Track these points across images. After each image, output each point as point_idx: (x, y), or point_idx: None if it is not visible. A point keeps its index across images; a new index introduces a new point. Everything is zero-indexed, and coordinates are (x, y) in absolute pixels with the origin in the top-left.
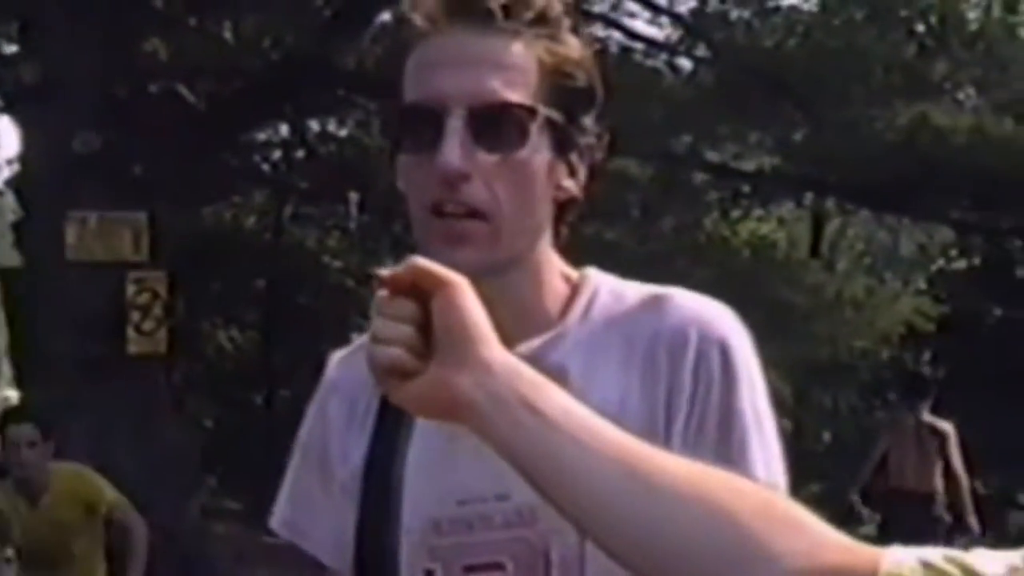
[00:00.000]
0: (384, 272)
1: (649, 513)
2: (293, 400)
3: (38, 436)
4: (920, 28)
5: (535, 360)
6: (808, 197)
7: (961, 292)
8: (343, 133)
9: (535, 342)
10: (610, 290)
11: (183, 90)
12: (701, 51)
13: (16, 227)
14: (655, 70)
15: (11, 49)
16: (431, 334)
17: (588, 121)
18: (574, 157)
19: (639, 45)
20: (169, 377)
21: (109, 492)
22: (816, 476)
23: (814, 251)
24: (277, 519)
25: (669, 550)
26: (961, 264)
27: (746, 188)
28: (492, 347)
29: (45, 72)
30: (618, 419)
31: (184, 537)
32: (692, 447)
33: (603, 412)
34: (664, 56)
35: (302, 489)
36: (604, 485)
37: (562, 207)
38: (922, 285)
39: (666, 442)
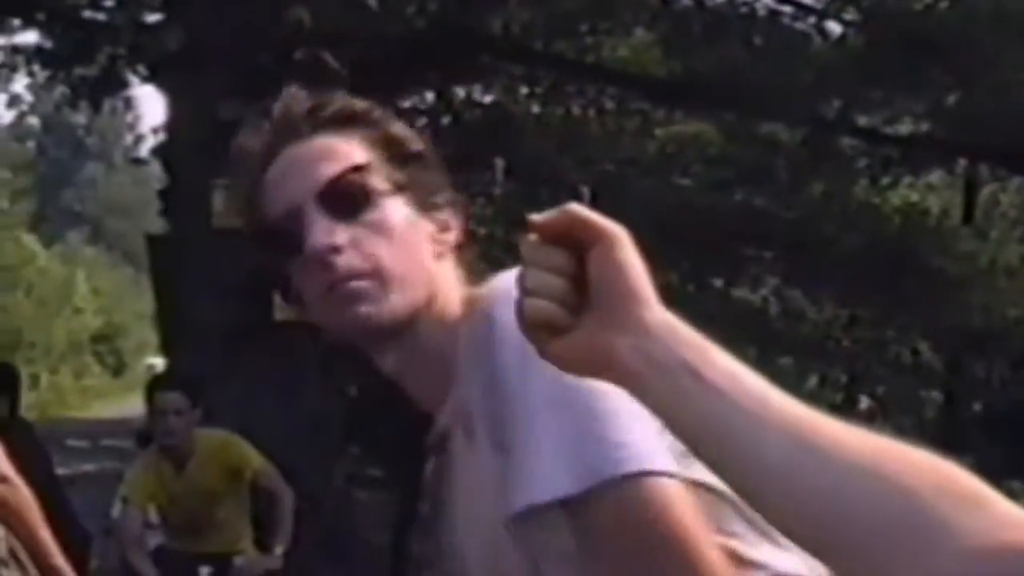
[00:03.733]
0: (537, 217)
1: (824, 488)
2: None
3: (185, 404)
4: None
5: (457, 406)
6: (960, 163)
7: None
8: (488, 99)
9: (457, 389)
10: (480, 309)
11: (328, 57)
12: (850, 14)
13: (162, 195)
14: (804, 34)
15: (155, 17)
16: (584, 287)
17: (431, 176)
18: (437, 212)
19: (787, 8)
20: (315, 345)
21: (255, 459)
22: (968, 447)
23: (967, 218)
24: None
25: (844, 526)
26: None
27: (896, 154)
28: (652, 307)
29: (189, 40)
30: (489, 436)
31: (329, 504)
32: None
33: (485, 434)
34: (813, 19)
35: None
36: (775, 457)
37: (454, 258)
38: None
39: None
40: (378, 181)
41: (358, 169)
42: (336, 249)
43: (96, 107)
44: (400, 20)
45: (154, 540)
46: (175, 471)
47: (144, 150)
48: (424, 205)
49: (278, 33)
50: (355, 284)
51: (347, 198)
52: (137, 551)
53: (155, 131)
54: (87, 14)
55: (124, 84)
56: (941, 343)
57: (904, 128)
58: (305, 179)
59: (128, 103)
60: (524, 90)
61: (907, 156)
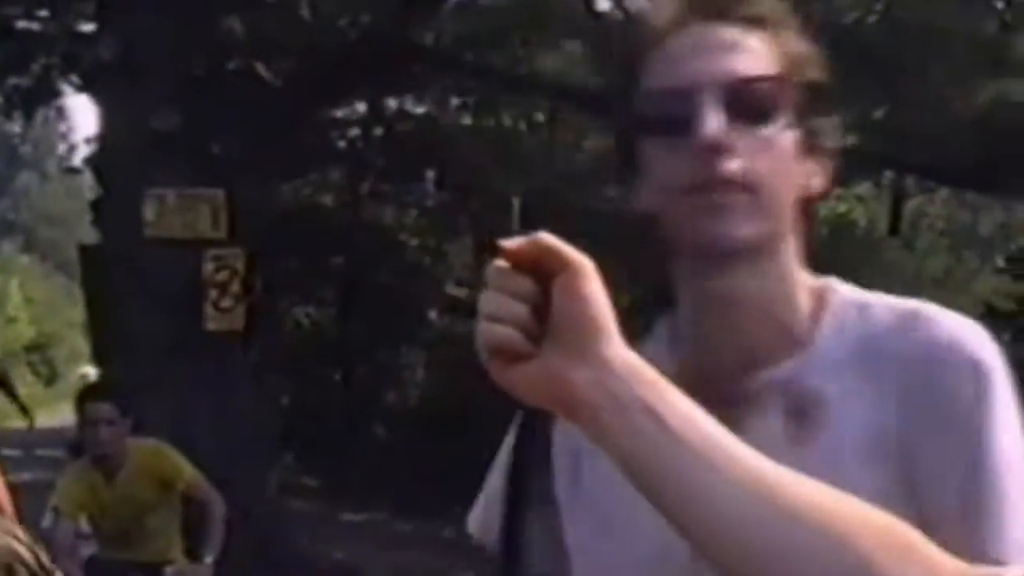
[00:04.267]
0: (507, 242)
1: (776, 540)
2: (369, 377)
3: (116, 414)
4: (1000, 5)
5: (792, 383)
6: (887, 175)
7: None
8: (420, 111)
9: (790, 363)
10: (857, 304)
11: (261, 68)
12: None
13: (95, 205)
14: None
15: (89, 27)
16: (546, 316)
17: (823, 120)
18: (816, 155)
19: None
20: (247, 354)
21: (186, 468)
22: None
23: (893, 229)
24: (473, 521)
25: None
26: None
27: None
28: (613, 342)
29: (124, 50)
30: (876, 449)
31: (261, 514)
32: (936, 487)
33: (862, 442)
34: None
35: (496, 487)
36: (727, 506)
37: (806, 205)
38: (1001, 264)
39: (912, 478)
40: (785, 98)
41: (773, 80)
42: (726, 149)
43: (29, 116)
44: (333, 31)
45: (86, 550)
46: (106, 481)
47: (77, 160)
48: (806, 145)
49: (212, 44)
50: (729, 194)
51: (753, 104)
52: (69, 561)
53: (88, 141)
54: (21, 24)
55: (57, 94)
56: None
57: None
58: (715, 64)
59: (61, 113)
60: (456, 101)
61: (835, 167)
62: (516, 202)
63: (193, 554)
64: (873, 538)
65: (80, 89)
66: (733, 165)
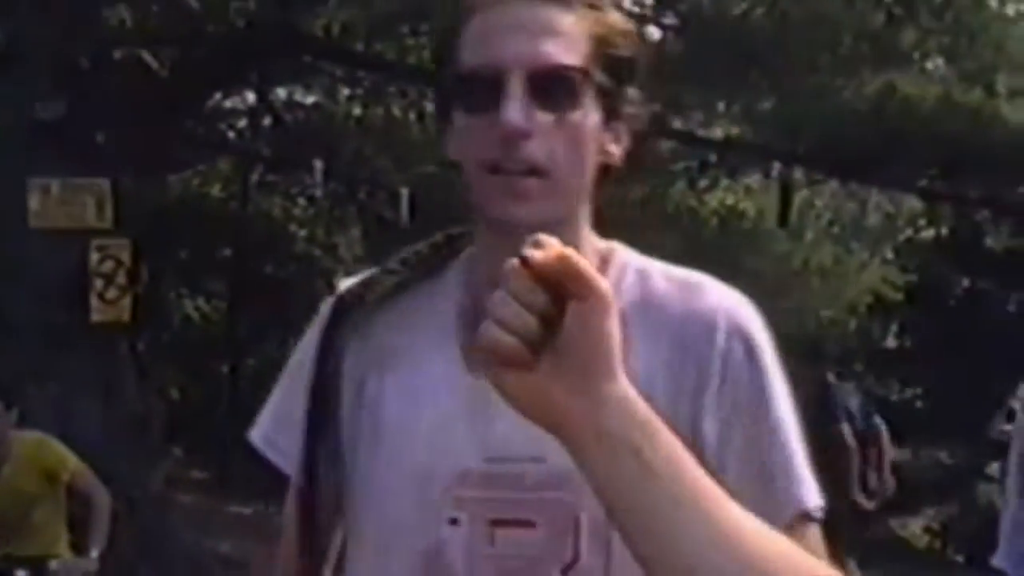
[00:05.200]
0: (535, 254)
1: None
2: (259, 370)
3: (0, 406)
4: None
5: None
6: (775, 167)
7: (929, 262)
8: (309, 100)
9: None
10: (636, 268)
11: (147, 57)
12: (669, 19)
13: None
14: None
15: None
16: (553, 331)
17: (633, 91)
18: (619, 124)
19: None
20: (133, 346)
21: (71, 461)
22: None
23: (782, 221)
24: (258, 434)
25: None
26: (929, 234)
27: (713, 157)
28: (615, 380)
29: (7, 39)
30: (645, 396)
31: (147, 507)
32: (727, 420)
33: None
34: (633, 24)
35: (288, 410)
36: (688, 548)
37: (602, 173)
38: (890, 255)
39: (694, 417)
40: (588, 86)
41: (576, 71)
42: (527, 135)
43: None
44: (221, 19)
45: None
46: None
47: None
48: (612, 112)
49: (98, 33)
50: (526, 180)
51: (555, 90)
52: None
53: None
54: None
55: None
56: None
57: (720, 132)
58: (520, 47)
59: None
60: (345, 91)
61: (723, 159)
62: (404, 192)
63: (78, 547)
64: None
65: None
66: (533, 151)
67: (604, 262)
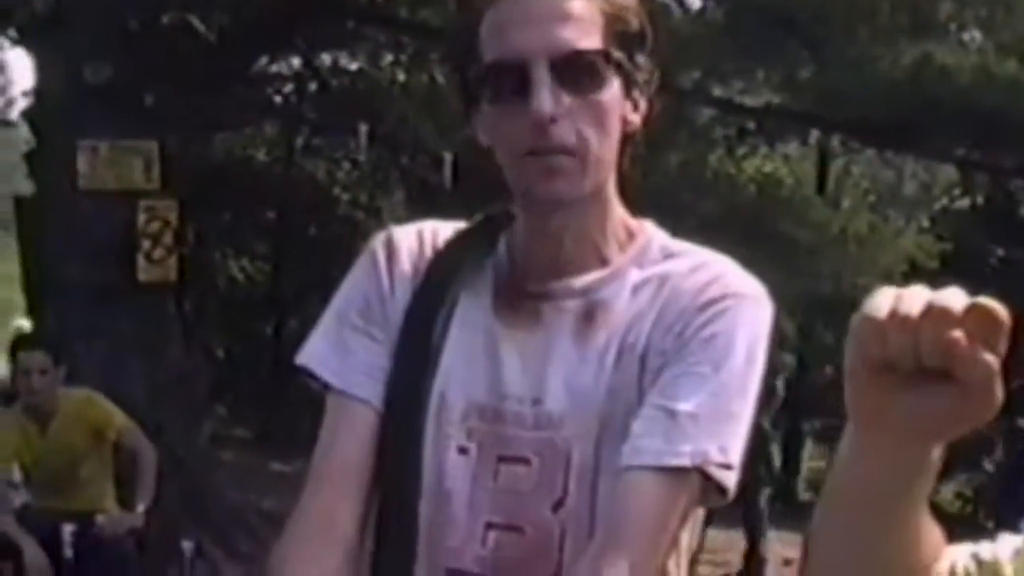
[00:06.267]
0: (995, 308)
1: None
2: (301, 330)
3: (49, 363)
4: None
5: (588, 291)
6: (813, 135)
7: (964, 230)
8: (354, 66)
9: (590, 276)
10: (661, 245)
11: (195, 21)
12: None
13: (29, 157)
14: (664, 5)
15: None
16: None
17: (643, 59)
18: (636, 93)
19: None
20: (179, 305)
21: (119, 417)
22: (819, 412)
23: (819, 188)
24: (307, 353)
25: None
26: (964, 203)
27: (752, 125)
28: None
29: (57, 2)
30: (636, 358)
31: (192, 464)
32: (678, 357)
33: (629, 349)
34: None
35: (336, 333)
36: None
37: (625, 141)
38: (925, 223)
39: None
40: (607, 65)
41: (596, 53)
42: (557, 119)
43: None
44: None
45: (18, 499)
46: (39, 430)
47: (15, 113)
48: (629, 84)
49: None
50: (560, 159)
51: (578, 74)
52: (0, 510)
53: (25, 94)
54: None
55: None
56: (793, 309)
57: (759, 100)
58: (541, 36)
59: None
60: (389, 57)
61: (762, 127)
62: (447, 156)
63: (125, 503)
64: None
65: (16, 43)
66: (563, 134)
67: (631, 236)
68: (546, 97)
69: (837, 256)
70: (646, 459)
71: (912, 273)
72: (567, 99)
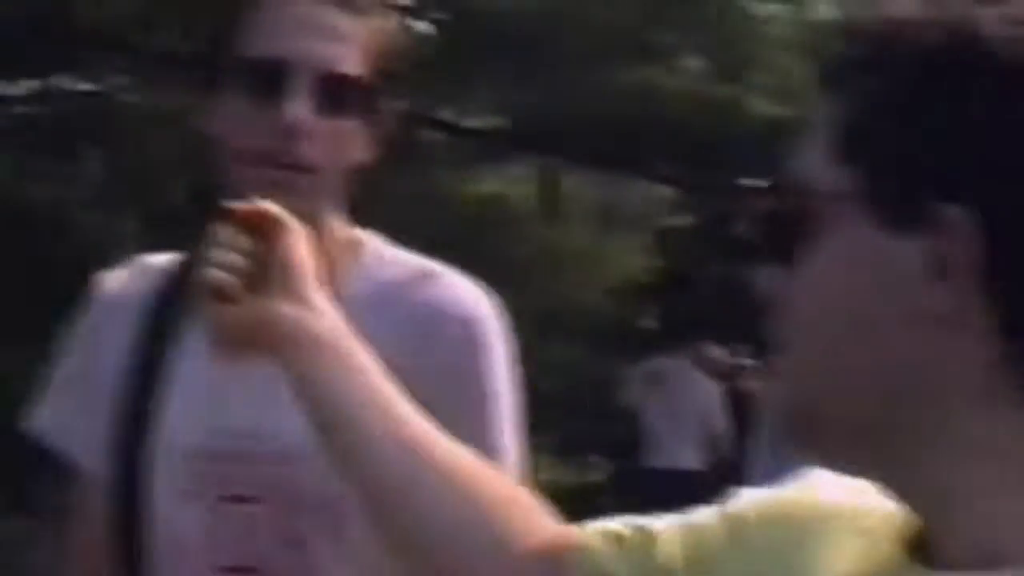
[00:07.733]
0: (234, 205)
1: (406, 475)
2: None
3: None
4: None
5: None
6: (536, 156)
7: (683, 248)
8: (87, 89)
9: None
10: (382, 255)
11: None
12: (434, 13)
13: None
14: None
15: None
16: (262, 272)
17: (388, 104)
18: (379, 123)
19: None
20: None
21: None
22: (551, 427)
23: (542, 209)
24: (40, 426)
25: (424, 521)
26: (682, 221)
27: (474, 147)
28: (316, 291)
29: None
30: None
31: None
32: (439, 393)
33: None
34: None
35: (63, 401)
36: (382, 450)
37: (359, 165)
38: (645, 242)
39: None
40: (363, 94)
41: (357, 81)
42: (305, 134)
43: None
44: None
45: None
46: None
47: None
48: (375, 109)
49: None
50: (295, 176)
51: (335, 97)
52: None
53: None
54: None
55: None
56: (516, 327)
57: (480, 122)
58: (312, 47)
59: None
60: (123, 80)
61: (484, 149)
62: (183, 181)
63: None
64: (492, 490)
65: None
66: (307, 149)
67: (353, 249)
68: (302, 108)
69: (559, 275)
70: None
71: (638, 291)
72: (320, 118)
